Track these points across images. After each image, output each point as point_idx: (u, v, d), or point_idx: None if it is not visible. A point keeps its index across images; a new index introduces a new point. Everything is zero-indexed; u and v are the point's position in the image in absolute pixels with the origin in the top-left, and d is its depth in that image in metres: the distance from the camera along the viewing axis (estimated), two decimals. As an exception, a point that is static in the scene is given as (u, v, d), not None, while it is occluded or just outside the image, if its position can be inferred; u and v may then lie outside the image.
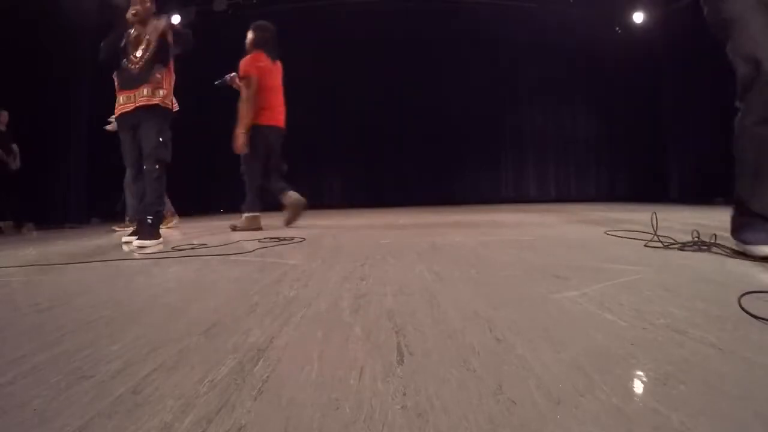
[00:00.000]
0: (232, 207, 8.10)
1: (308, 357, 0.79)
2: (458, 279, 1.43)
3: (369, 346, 0.83)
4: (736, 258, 1.57)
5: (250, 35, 3.80)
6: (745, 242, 1.58)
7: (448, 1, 7.90)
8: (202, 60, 7.11)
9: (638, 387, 0.65)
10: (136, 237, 2.84)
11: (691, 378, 0.65)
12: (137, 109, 2.85)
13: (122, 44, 2.88)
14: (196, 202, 7.09)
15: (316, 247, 2.38)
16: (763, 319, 0.89)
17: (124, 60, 2.89)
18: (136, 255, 2.39)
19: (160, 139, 2.84)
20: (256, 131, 3.76)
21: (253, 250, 2.29)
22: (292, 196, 3.75)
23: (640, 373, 0.69)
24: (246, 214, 3.69)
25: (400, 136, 8.19)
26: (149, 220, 2.78)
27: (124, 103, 2.89)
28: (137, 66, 2.86)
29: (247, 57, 3.71)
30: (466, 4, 7.87)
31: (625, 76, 8.01)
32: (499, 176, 8.44)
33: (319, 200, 8.26)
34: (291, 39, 8.09)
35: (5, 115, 4.90)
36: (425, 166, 8.19)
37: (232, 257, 2.12)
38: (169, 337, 0.92)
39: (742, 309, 0.96)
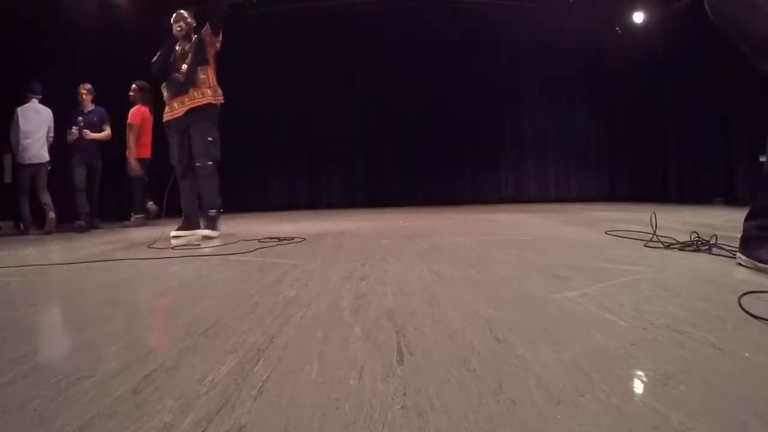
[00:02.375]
0: (232, 207, 8.09)
1: (308, 357, 0.79)
2: (458, 279, 1.43)
3: (369, 346, 0.83)
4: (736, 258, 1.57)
5: (135, 92, 4.98)
6: (761, 260, 1.37)
7: (448, 1, 7.89)
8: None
9: (638, 387, 0.65)
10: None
11: (691, 378, 0.65)
12: (188, 111, 3.10)
13: (171, 59, 3.18)
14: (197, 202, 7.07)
15: (316, 247, 2.38)
16: (763, 319, 0.89)
17: (174, 72, 3.17)
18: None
19: (209, 139, 3.10)
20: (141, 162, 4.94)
21: (253, 250, 2.29)
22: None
23: (640, 373, 0.69)
24: (137, 216, 4.95)
25: (400, 135, 8.17)
26: (212, 213, 3.10)
27: (178, 108, 3.15)
28: (183, 75, 3.13)
29: (138, 107, 4.95)
30: (466, 4, 7.85)
31: (625, 76, 7.99)
32: (499, 176, 8.41)
33: (319, 200, 8.26)
34: (291, 39, 8.11)
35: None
36: (425, 166, 8.17)
37: (232, 257, 2.12)
38: (169, 337, 0.93)
39: (742, 309, 0.96)
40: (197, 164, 3.11)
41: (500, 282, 1.38)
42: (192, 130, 3.12)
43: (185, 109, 3.11)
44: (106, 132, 4.87)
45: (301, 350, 0.83)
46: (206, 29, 3.15)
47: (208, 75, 3.14)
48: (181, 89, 3.13)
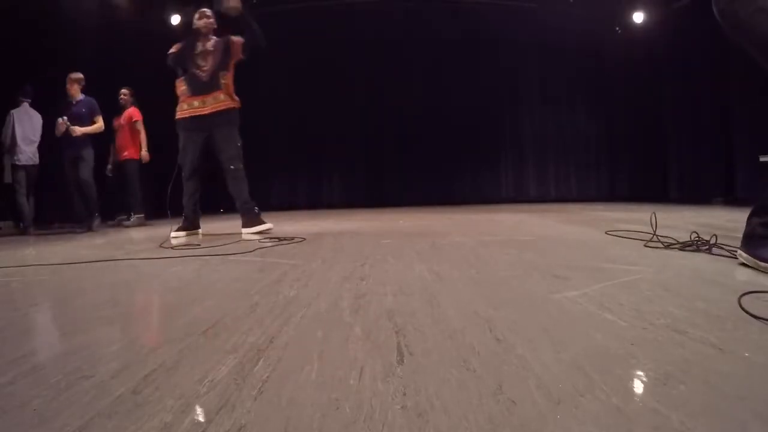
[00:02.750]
0: (232, 207, 8.07)
1: (308, 357, 0.79)
2: (458, 279, 1.43)
3: (369, 346, 0.83)
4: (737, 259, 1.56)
5: (126, 96, 5.13)
6: (762, 259, 1.36)
7: (448, 1, 7.89)
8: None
9: (638, 387, 0.65)
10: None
11: (691, 378, 0.65)
12: (215, 113, 3.16)
13: (190, 54, 3.18)
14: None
15: (316, 247, 2.38)
16: (763, 319, 0.89)
17: (193, 69, 3.17)
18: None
19: (238, 144, 3.26)
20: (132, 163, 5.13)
21: (253, 250, 2.29)
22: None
23: (640, 373, 0.69)
24: (137, 216, 5.00)
25: (400, 135, 8.18)
26: (256, 210, 3.25)
27: (198, 106, 3.17)
28: (206, 73, 3.17)
29: (135, 108, 5.12)
30: (466, 4, 7.85)
31: (625, 76, 7.99)
32: (499, 176, 8.42)
33: (319, 200, 8.25)
34: (291, 39, 8.10)
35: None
36: (425, 166, 8.17)
37: (232, 257, 2.12)
38: (169, 337, 0.92)
39: (742, 309, 0.96)
40: (231, 167, 3.21)
41: (500, 282, 1.38)
42: (219, 133, 3.18)
43: (211, 110, 3.15)
44: (97, 125, 4.55)
45: (301, 350, 0.83)
46: (238, 42, 3.20)
47: (228, 81, 3.21)
48: (203, 88, 3.16)
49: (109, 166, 5.17)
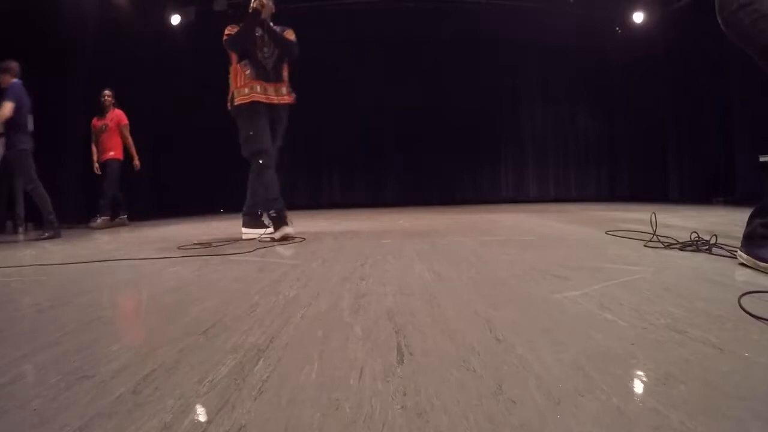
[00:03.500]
0: (233, 207, 8.07)
1: (308, 357, 0.79)
2: (458, 279, 1.43)
3: (369, 346, 0.83)
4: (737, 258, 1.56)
5: (109, 98, 5.15)
6: (762, 259, 1.37)
7: (448, 1, 7.89)
8: (201, 60, 7.09)
9: (638, 387, 0.65)
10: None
11: (691, 378, 0.65)
12: (280, 106, 3.08)
13: (254, 37, 3.01)
14: (197, 202, 7.09)
15: (316, 247, 2.38)
16: (763, 319, 0.89)
17: (257, 54, 3.02)
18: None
19: (279, 144, 3.18)
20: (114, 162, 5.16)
21: (253, 250, 2.29)
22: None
23: (640, 373, 0.69)
24: (103, 218, 4.95)
25: (401, 135, 8.18)
26: (259, 212, 3.16)
27: (261, 92, 3.02)
28: (270, 61, 3.03)
29: (120, 111, 5.20)
30: (466, 4, 7.85)
31: (625, 76, 8.00)
32: (499, 176, 8.42)
33: (319, 200, 8.25)
34: (291, 39, 8.13)
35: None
36: (425, 166, 8.18)
37: (232, 257, 2.12)
38: (169, 337, 0.92)
39: (742, 309, 0.96)
40: (261, 162, 3.12)
41: (500, 282, 1.38)
42: (279, 125, 3.13)
43: (277, 101, 3.04)
44: None
45: (301, 350, 0.83)
46: (294, 46, 3.10)
47: (287, 73, 3.12)
48: (270, 77, 3.02)
49: (96, 165, 5.15)
